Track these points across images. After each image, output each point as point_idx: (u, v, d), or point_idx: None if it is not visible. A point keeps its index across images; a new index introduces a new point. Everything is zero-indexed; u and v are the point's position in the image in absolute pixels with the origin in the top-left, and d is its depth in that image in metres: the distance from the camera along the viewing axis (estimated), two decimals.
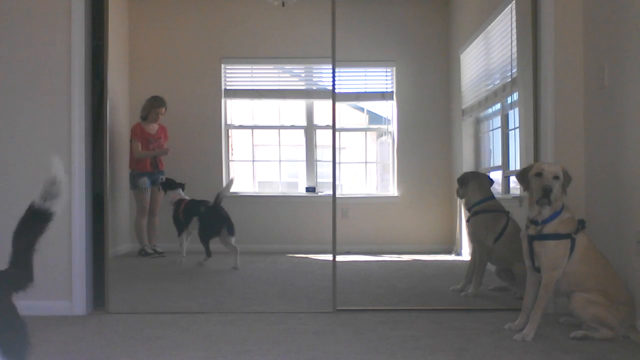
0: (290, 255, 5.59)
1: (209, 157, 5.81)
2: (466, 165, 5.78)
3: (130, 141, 5.43)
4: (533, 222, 3.05)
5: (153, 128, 5.49)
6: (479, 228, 4.06)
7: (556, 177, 2.99)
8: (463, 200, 4.25)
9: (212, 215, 5.29)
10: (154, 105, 5.46)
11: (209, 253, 5.20)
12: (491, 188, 4.23)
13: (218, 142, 5.89)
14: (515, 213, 4.28)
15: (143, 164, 5.45)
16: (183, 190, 5.47)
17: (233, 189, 6.06)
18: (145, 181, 5.41)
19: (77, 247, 3.60)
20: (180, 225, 5.38)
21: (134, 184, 5.43)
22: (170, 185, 5.49)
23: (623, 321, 2.95)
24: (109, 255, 3.78)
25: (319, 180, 6.14)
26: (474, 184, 4.14)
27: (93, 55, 3.77)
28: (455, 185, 5.98)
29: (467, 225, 4.17)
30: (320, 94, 6.19)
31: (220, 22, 5.90)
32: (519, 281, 3.84)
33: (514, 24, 4.38)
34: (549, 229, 3.00)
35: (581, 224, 3.04)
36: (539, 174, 2.99)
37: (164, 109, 5.50)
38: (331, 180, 3.96)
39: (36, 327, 3.30)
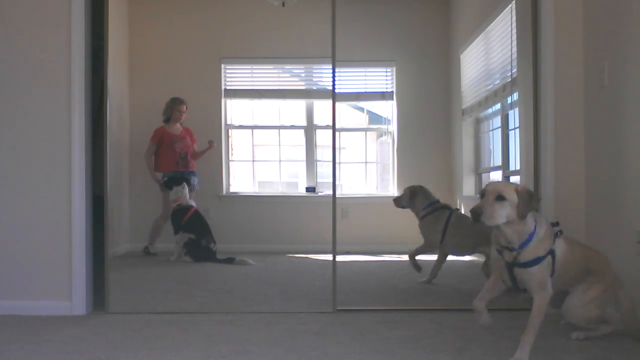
0: (290, 255, 5.58)
1: (209, 157, 5.80)
2: (466, 165, 5.78)
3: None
4: (505, 247, 2.71)
5: (177, 129, 5.57)
6: (426, 228, 4.57)
7: (500, 198, 2.58)
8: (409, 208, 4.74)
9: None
10: (175, 104, 5.56)
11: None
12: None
13: (218, 142, 5.89)
14: None
15: (167, 164, 5.49)
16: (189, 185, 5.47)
17: (233, 189, 6.06)
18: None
19: (77, 247, 3.60)
20: (179, 227, 5.38)
21: (164, 185, 5.50)
22: (174, 181, 5.47)
23: (618, 304, 2.93)
24: (109, 255, 3.78)
25: (319, 180, 6.14)
26: (420, 196, 4.68)
27: (93, 55, 3.78)
28: (454, 185, 6.00)
29: (420, 224, 4.65)
30: (320, 94, 6.19)
31: (220, 22, 5.90)
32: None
33: (514, 24, 4.38)
34: (527, 255, 2.68)
35: (558, 233, 2.79)
36: (482, 195, 2.64)
37: (184, 107, 5.59)
38: (331, 180, 3.96)
39: (36, 327, 3.30)
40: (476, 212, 2.59)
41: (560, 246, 2.77)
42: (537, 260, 2.68)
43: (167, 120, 5.57)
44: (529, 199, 2.61)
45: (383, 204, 6.15)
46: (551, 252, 2.72)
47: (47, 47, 3.62)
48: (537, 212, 2.78)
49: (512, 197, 2.59)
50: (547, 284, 2.73)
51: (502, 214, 2.58)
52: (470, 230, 3.68)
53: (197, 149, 5.70)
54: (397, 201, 4.76)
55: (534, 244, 2.68)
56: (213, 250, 5.31)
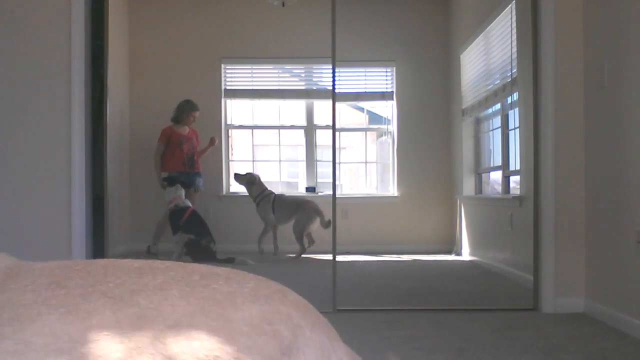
0: (290, 255, 5.58)
1: (209, 157, 5.81)
2: (466, 165, 5.78)
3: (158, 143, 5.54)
4: None
5: (184, 130, 5.59)
6: (263, 208, 5.66)
7: None
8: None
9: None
10: (192, 109, 5.58)
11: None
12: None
13: (218, 142, 5.89)
14: (515, 213, 4.29)
15: (174, 164, 5.51)
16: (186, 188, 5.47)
17: (233, 189, 6.07)
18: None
19: (77, 247, 3.60)
20: (177, 227, 5.36)
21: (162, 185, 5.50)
22: (169, 182, 5.47)
23: None
24: (109, 255, 3.78)
25: (319, 180, 6.15)
26: (258, 183, 5.74)
27: (93, 55, 3.78)
28: (454, 185, 5.99)
29: (257, 210, 5.68)
30: (320, 94, 6.20)
31: (220, 22, 5.90)
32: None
33: (514, 24, 4.38)
34: None
35: None
36: None
37: (197, 113, 5.61)
38: (331, 180, 3.96)
39: None
40: None
41: None
42: None
43: (177, 121, 5.57)
44: None
45: (383, 204, 6.16)
46: None
47: (47, 47, 3.62)
48: None
49: None
50: None
51: None
52: (286, 206, 5.59)
53: (199, 148, 5.71)
54: (237, 177, 5.82)
55: None
56: (213, 250, 5.31)
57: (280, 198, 5.73)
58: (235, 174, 5.84)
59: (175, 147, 5.55)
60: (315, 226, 5.52)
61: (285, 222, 5.69)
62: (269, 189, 5.78)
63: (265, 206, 5.69)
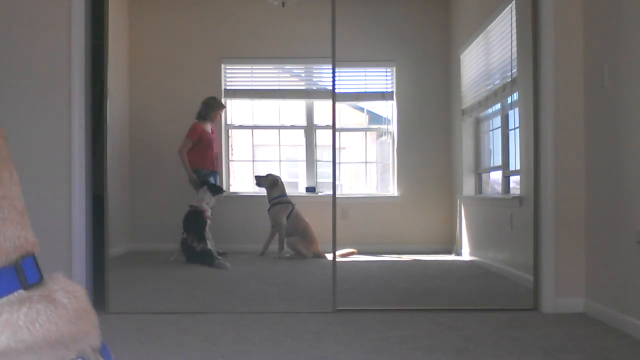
0: (291, 255, 5.58)
1: None
2: (466, 165, 5.78)
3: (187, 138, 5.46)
4: None
5: (209, 127, 5.58)
6: (278, 212, 5.58)
7: None
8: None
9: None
10: (220, 107, 5.61)
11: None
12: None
13: (218, 142, 5.89)
14: (516, 213, 4.29)
15: (205, 162, 5.49)
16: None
17: (233, 189, 6.06)
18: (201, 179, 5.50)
19: (77, 247, 3.60)
20: (189, 230, 5.31)
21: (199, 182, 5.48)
22: (216, 190, 5.48)
23: None
24: (109, 255, 3.78)
25: (319, 180, 6.14)
26: (278, 185, 5.65)
27: (93, 55, 3.78)
28: (454, 185, 6.00)
29: (268, 211, 5.60)
30: (320, 94, 6.19)
31: (220, 22, 5.90)
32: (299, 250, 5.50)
33: (514, 24, 4.38)
34: None
35: None
36: None
37: (223, 110, 5.67)
38: (331, 180, 3.96)
39: None
40: None
41: None
42: None
43: (204, 118, 5.51)
44: None
45: (383, 204, 6.16)
46: None
47: (47, 47, 3.62)
48: None
49: None
50: None
51: None
52: (297, 224, 5.55)
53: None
54: (258, 179, 5.74)
55: None
56: (198, 250, 5.19)
57: (297, 214, 5.66)
58: (256, 177, 5.72)
59: (207, 146, 5.49)
60: (306, 253, 5.48)
61: (288, 236, 5.68)
62: (287, 196, 5.71)
63: (281, 210, 5.60)
